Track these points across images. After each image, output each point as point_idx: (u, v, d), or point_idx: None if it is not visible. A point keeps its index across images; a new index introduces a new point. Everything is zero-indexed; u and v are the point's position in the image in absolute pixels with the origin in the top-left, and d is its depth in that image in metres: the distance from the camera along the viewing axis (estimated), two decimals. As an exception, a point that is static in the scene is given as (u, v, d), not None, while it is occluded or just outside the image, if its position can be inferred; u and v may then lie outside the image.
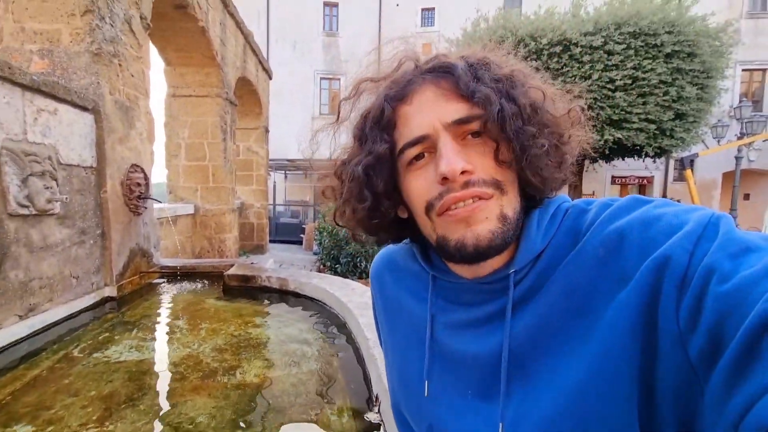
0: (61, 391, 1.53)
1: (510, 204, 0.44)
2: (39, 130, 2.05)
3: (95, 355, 1.86)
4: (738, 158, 9.91)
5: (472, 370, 0.48)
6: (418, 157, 0.46)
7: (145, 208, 2.97)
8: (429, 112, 0.44)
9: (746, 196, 13.55)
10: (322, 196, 0.57)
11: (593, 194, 13.29)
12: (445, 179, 0.42)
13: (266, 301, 2.80)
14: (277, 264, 6.56)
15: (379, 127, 0.47)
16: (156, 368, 1.80)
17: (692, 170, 8.35)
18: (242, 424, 1.36)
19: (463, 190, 0.43)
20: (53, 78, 2.36)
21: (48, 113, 2.12)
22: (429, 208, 0.45)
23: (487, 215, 0.43)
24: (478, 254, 0.44)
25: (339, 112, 0.53)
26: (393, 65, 0.50)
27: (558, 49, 8.22)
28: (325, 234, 6.83)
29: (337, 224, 0.55)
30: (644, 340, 0.37)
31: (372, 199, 0.49)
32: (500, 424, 0.44)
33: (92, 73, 2.51)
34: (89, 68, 2.51)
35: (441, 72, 0.45)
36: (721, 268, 0.32)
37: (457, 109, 0.43)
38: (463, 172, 0.42)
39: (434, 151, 0.44)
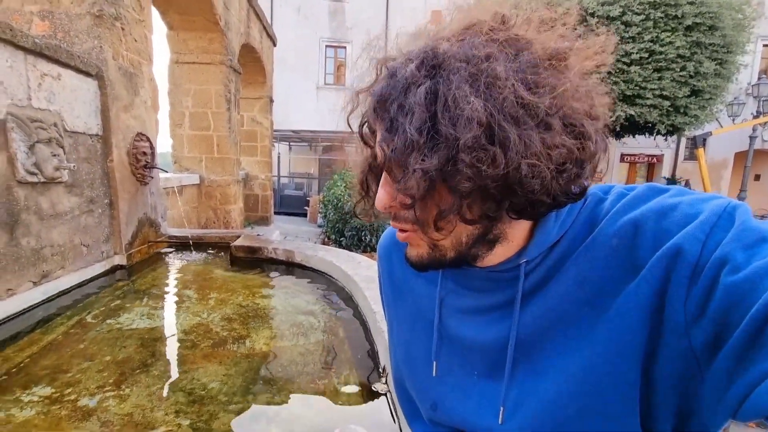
0: (77, 356, 1.58)
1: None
2: (43, 95, 2.01)
3: (108, 321, 1.90)
4: (752, 138, 9.70)
5: (479, 354, 0.49)
6: None
7: (152, 177, 2.97)
8: (378, 138, 0.43)
9: (757, 177, 13.35)
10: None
11: (600, 172, 13.12)
12: None
13: (273, 273, 2.84)
14: (283, 236, 6.61)
15: (364, 142, 0.48)
16: (167, 336, 1.85)
17: (704, 149, 8.18)
18: (252, 391, 1.40)
19: (392, 221, 0.45)
20: (55, 41, 2.30)
21: (52, 78, 2.08)
22: None
23: (417, 242, 0.45)
24: (412, 266, 0.47)
25: (350, 124, 0.52)
26: (373, 72, 0.46)
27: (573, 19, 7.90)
28: (330, 207, 6.84)
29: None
30: (651, 328, 0.37)
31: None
32: (501, 407, 0.45)
33: (94, 36, 2.44)
34: (91, 31, 2.43)
35: (371, 97, 0.42)
36: (734, 259, 0.32)
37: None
38: (389, 207, 0.43)
39: None
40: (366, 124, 0.46)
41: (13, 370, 1.46)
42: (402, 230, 0.44)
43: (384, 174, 0.43)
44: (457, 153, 0.35)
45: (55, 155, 2.03)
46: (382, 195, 0.43)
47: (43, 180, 1.97)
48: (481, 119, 0.34)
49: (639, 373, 0.38)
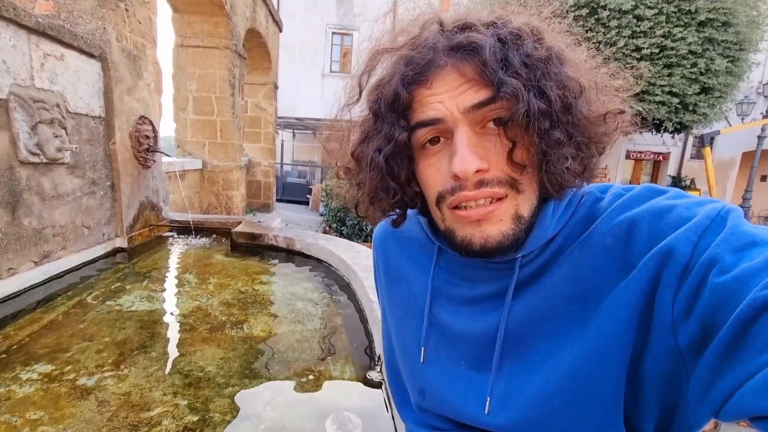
0: (77, 336, 1.60)
1: (526, 202, 0.42)
2: (46, 76, 2.00)
3: (108, 302, 1.92)
4: (761, 138, 9.57)
5: (468, 344, 0.49)
6: (433, 140, 0.43)
7: (154, 161, 2.97)
8: (448, 99, 0.40)
9: (763, 178, 13.21)
10: (336, 178, 0.55)
11: (605, 168, 13.02)
12: (457, 177, 0.40)
13: (273, 260, 2.85)
14: (284, 223, 6.63)
15: (395, 111, 0.43)
16: (166, 319, 1.86)
17: (711, 148, 8.09)
18: (249, 375, 1.42)
19: (476, 190, 0.40)
20: (58, 21, 2.28)
21: (55, 59, 2.06)
22: (440, 199, 0.44)
23: (501, 217, 0.42)
24: (484, 253, 0.43)
25: (359, 89, 0.48)
26: (414, 29, 0.44)
27: (584, 11, 7.76)
28: (332, 196, 6.83)
29: (359, 215, 0.53)
30: (640, 326, 0.37)
31: (397, 190, 0.47)
32: (488, 398, 0.46)
33: (98, 17, 2.42)
34: (95, 12, 2.41)
35: (466, 52, 0.40)
36: (722, 260, 0.32)
37: (480, 96, 0.39)
38: (477, 171, 0.40)
39: (450, 137, 0.41)
40: (409, 84, 0.42)
41: (14, 347, 1.48)
42: (491, 200, 0.41)
43: (466, 134, 0.40)
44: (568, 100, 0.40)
45: (57, 136, 2.02)
46: (472, 157, 0.39)
47: (45, 161, 1.97)
48: (585, 78, 0.42)
49: (626, 370, 0.38)
